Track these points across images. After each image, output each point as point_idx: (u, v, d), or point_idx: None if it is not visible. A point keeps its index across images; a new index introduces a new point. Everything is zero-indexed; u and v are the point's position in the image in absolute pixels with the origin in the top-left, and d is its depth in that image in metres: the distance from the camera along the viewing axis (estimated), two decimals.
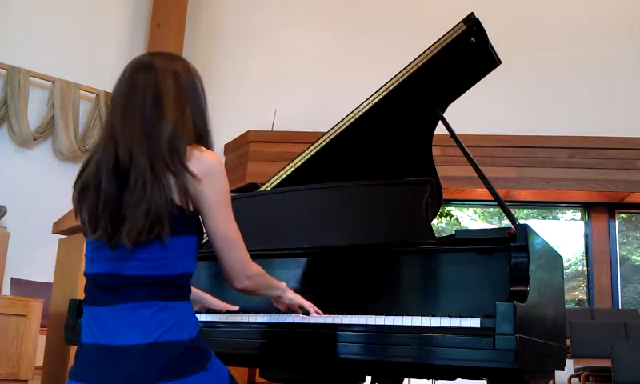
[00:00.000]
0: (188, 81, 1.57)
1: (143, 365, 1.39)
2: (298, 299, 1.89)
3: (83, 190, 1.49)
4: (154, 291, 1.45)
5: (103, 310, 1.46)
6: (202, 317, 2.04)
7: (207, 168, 1.50)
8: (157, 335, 1.42)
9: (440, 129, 2.53)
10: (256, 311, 2.02)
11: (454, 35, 2.34)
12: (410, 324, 1.72)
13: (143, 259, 1.45)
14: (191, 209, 1.49)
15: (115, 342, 1.42)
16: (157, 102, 1.50)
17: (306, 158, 2.51)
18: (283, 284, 1.84)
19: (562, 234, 8.07)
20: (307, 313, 1.90)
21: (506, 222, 7.06)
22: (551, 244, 2.07)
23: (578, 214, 8.17)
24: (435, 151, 2.65)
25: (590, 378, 5.72)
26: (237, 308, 2.06)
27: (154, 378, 1.38)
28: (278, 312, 1.93)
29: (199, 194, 1.50)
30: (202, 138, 1.57)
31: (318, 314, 1.90)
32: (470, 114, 5.43)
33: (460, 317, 1.67)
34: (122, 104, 1.52)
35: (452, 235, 1.96)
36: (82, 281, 1.57)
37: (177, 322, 1.46)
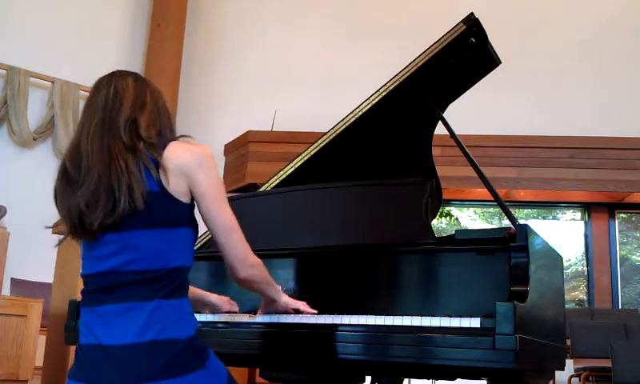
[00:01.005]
0: (152, 91, 1.60)
1: (142, 363, 1.39)
2: (293, 303, 1.88)
3: (55, 199, 1.56)
4: (151, 288, 1.46)
5: (101, 310, 1.47)
6: (202, 317, 2.03)
7: (200, 158, 1.52)
8: (155, 333, 1.42)
9: (440, 129, 2.53)
10: (256, 311, 2.01)
11: (454, 35, 2.34)
12: (409, 324, 1.72)
13: (135, 250, 1.46)
14: (170, 190, 1.49)
15: (114, 341, 1.42)
16: (116, 97, 1.54)
17: (305, 158, 2.51)
18: (279, 286, 1.84)
19: (562, 234, 8.07)
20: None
21: (506, 222, 7.06)
22: (551, 244, 2.07)
23: (578, 214, 8.17)
24: (435, 151, 2.65)
25: (590, 378, 5.72)
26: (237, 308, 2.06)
27: (152, 376, 1.38)
28: (278, 312, 1.92)
29: (192, 184, 1.51)
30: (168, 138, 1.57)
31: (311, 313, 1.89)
32: (469, 114, 5.42)
33: (460, 317, 1.67)
34: (85, 107, 1.57)
35: (452, 235, 1.96)
36: (82, 281, 1.57)
37: (175, 320, 1.46)
